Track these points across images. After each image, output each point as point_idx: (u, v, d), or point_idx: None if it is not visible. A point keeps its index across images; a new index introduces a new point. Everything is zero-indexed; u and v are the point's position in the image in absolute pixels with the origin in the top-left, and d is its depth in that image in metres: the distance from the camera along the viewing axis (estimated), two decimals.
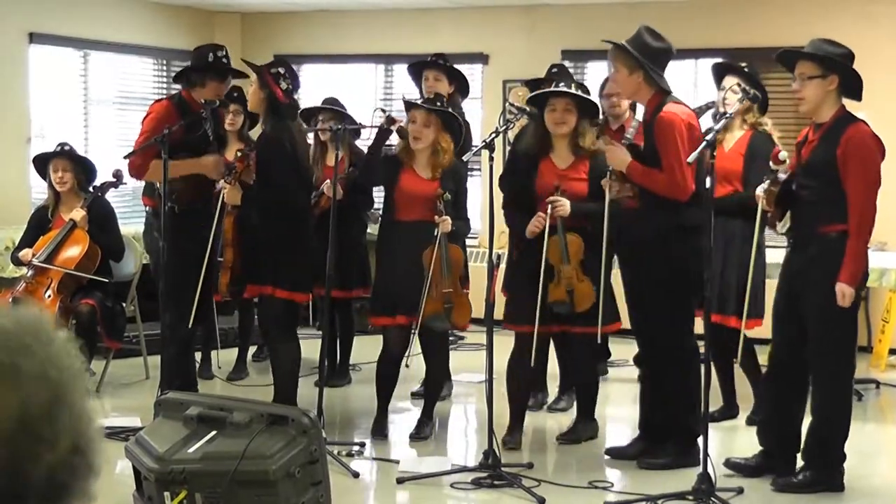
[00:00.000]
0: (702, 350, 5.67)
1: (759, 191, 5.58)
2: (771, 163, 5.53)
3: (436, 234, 6.01)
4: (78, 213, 7.06)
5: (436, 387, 6.51)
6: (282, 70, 6.11)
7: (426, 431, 6.33)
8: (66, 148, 7.24)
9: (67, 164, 7.17)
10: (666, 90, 5.59)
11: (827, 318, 5.26)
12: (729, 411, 6.71)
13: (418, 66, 7.10)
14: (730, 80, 6.37)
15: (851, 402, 5.44)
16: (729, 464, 5.61)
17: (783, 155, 5.49)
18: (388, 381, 6.33)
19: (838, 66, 5.22)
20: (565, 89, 5.93)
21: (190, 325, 6.34)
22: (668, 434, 5.78)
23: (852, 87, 5.25)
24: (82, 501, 1.42)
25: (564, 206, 5.81)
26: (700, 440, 5.22)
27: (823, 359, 5.29)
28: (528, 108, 5.68)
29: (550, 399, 7.02)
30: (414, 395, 7.21)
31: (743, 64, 6.53)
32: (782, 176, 5.47)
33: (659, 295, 5.60)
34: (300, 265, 6.08)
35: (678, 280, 5.56)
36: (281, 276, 6.01)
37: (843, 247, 5.22)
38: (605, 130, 6.42)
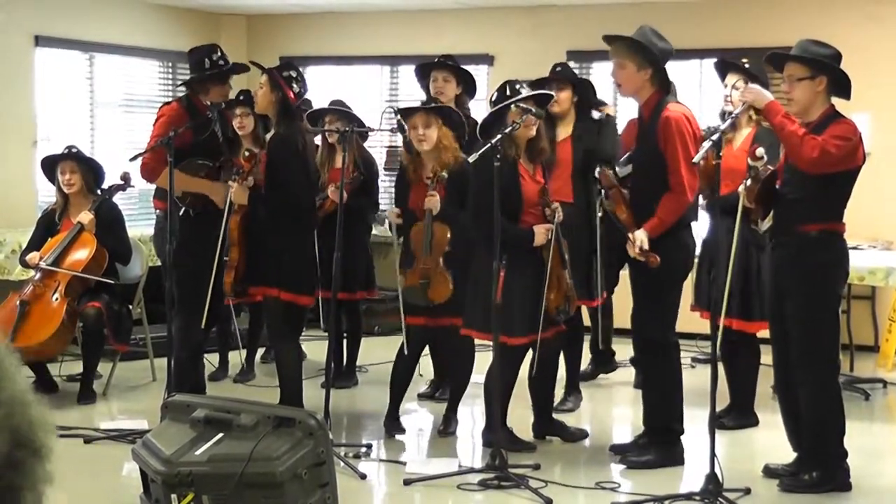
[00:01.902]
0: (708, 351, 5.66)
1: (741, 188, 5.63)
2: (749, 160, 5.56)
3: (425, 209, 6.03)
4: (86, 216, 7.06)
5: (457, 383, 6.52)
6: (293, 73, 6.15)
7: (452, 427, 6.42)
8: (74, 150, 7.26)
9: (75, 165, 7.18)
10: (668, 90, 5.62)
11: (807, 318, 5.26)
12: (745, 419, 6.57)
13: (426, 67, 7.09)
14: (732, 79, 6.38)
15: (841, 398, 5.40)
16: (767, 470, 5.58)
17: (760, 151, 5.53)
18: (403, 377, 6.35)
19: (826, 67, 5.22)
20: (525, 93, 5.81)
21: (203, 326, 6.39)
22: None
23: (841, 87, 5.25)
24: (39, 488, 1.34)
25: (560, 211, 5.84)
26: (707, 440, 5.19)
27: (807, 358, 5.27)
28: (533, 109, 5.67)
29: (556, 400, 7.01)
30: (421, 395, 7.22)
31: (745, 60, 6.53)
32: (763, 172, 5.50)
33: (642, 288, 5.66)
34: (305, 268, 6.08)
35: (660, 274, 5.56)
36: (286, 278, 6.00)
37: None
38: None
